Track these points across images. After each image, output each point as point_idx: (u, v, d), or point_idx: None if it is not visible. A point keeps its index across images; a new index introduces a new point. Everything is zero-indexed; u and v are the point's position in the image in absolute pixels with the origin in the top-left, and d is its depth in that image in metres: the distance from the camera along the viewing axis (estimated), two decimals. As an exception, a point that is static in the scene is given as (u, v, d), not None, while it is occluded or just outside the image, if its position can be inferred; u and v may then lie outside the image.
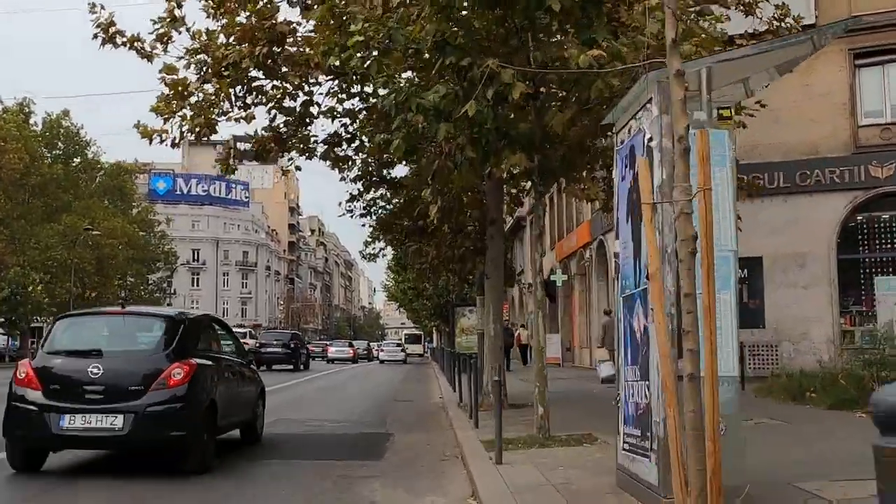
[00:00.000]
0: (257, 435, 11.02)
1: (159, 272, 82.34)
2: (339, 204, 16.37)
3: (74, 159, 69.41)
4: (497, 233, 15.87)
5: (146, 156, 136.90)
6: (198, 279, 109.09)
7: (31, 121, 63.71)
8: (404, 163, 14.76)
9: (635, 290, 5.97)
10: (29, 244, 57.82)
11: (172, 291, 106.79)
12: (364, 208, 16.54)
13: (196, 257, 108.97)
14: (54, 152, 68.26)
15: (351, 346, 59.20)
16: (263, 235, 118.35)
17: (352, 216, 16.45)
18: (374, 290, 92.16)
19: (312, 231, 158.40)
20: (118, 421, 7.68)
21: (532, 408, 10.90)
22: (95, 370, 7.85)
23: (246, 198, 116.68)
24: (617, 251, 6.70)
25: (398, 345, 61.09)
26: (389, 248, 32.63)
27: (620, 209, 6.51)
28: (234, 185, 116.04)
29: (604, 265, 28.26)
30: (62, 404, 7.78)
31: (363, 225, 16.78)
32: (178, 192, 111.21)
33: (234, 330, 12.94)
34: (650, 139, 5.61)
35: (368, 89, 12.87)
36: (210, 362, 8.86)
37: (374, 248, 32.65)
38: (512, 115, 9.61)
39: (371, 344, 75.80)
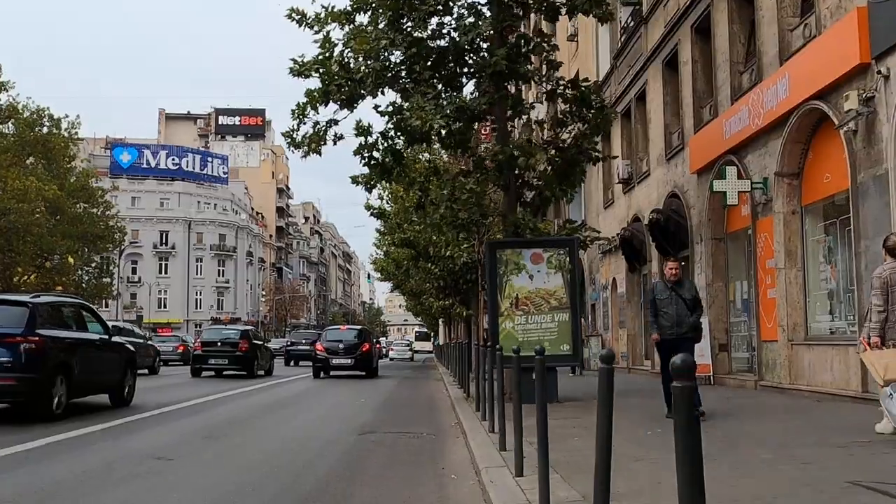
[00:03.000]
0: (376, 373, 26.64)
1: (105, 252, 63.94)
2: None
3: (-9, 109, 51.63)
4: None
5: (119, 132, 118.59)
6: (166, 265, 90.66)
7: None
8: None
9: None
10: None
11: (137, 280, 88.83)
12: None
13: (164, 240, 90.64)
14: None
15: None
16: (245, 217, 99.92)
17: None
18: (369, 277, 75.50)
19: (307, 218, 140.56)
20: (350, 361, 24.67)
21: None
22: (341, 345, 25.05)
23: (224, 173, 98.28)
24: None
25: (407, 344, 63.82)
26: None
27: None
28: (210, 159, 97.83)
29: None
30: (331, 356, 24.73)
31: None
32: (144, 166, 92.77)
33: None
34: None
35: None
36: (372, 342, 27.02)
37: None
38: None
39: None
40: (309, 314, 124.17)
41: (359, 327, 28.93)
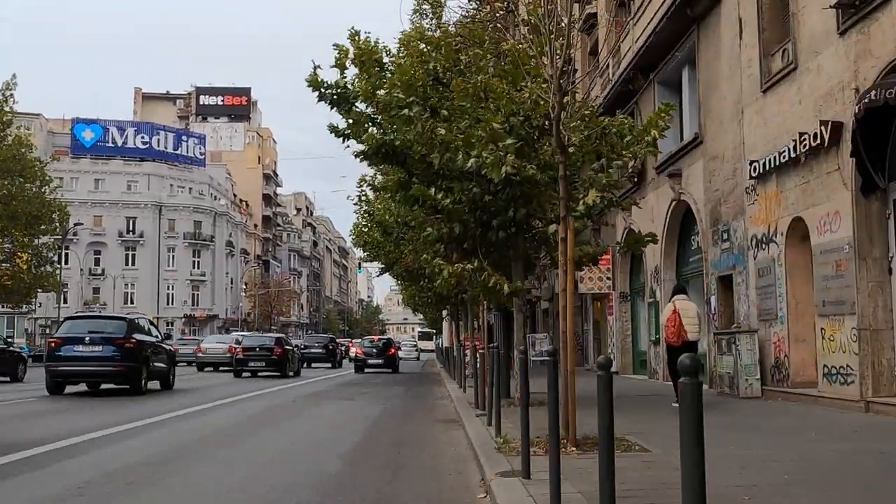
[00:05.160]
0: (398, 369, 35.11)
1: (47, 235, 52.00)
2: None
3: None
4: None
5: (91, 115, 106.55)
6: (133, 256, 78.46)
7: None
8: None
9: None
10: None
11: (100, 272, 76.63)
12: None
13: (131, 227, 78.46)
14: None
15: None
16: (225, 203, 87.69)
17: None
18: (360, 266, 64.63)
19: (298, 210, 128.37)
20: (381, 361, 34.09)
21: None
22: (375, 350, 34.85)
23: (201, 154, 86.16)
24: None
25: (413, 345, 65.92)
26: None
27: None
28: (185, 138, 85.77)
29: None
30: (368, 357, 34.26)
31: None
32: (109, 145, 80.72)
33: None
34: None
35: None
36: (396, 348, 37.72)
37: None
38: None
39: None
40: (300, 312, 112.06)
41: (387, 337, 43.37)
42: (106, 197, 77.68)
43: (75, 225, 59.14)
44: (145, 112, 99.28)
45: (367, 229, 24.95)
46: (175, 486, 6.29)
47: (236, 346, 30.46)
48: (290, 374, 27.65)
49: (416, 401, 16.17)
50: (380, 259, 27.65)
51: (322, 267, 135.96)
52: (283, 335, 34.90)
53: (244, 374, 26.85)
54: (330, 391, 19.58)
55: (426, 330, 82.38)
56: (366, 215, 24.37)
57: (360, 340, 44.97)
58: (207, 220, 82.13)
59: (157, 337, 18.40)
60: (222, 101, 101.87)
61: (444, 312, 40.69)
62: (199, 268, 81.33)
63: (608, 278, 22.95)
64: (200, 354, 34.78)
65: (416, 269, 24.40)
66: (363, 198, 22.57)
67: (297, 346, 37.99)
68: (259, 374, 26.78)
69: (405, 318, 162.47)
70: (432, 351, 66.29)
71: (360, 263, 56.94)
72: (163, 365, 17.92)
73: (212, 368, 32.78)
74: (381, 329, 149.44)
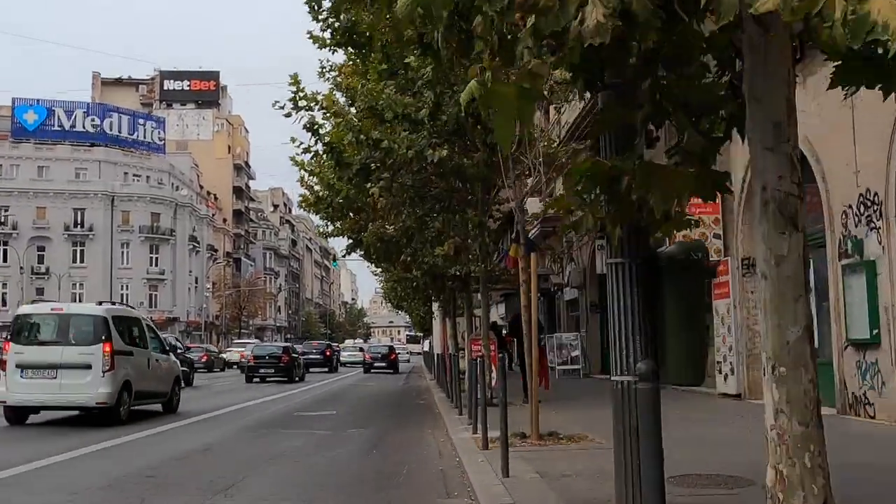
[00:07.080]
0: (398, 369, 43.17)
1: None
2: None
3: None
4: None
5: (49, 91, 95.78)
6: (81, 251, 68.19)
7: None
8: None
9: None
10: None
11: (43, 270, 66.32)
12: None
13: (79, 220, 68.20)
14: None
15: (361, 350, 64.98)
16: (187, 193, 77.46)
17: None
18: (335, 260, 55.30)
19: (276, 206, 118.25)
20: (385, 364, 41.57)
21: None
22: (379, 354, 43.34)
23: (160, 140, 75.97)
24: None
25: (405, 350, 65.84)
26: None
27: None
28: (142, 122, 75.53)
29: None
30: (374, 361, 42.35)
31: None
32: (55, 128, 70.44)
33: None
34: None
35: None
36: (396, 353, 46.05)
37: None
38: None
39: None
40: (278, 314, 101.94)
41: (390, 343, 55.87)
42: (51, 186, 67.53)
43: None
44: (105, 99, 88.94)
45: (312, 167, 15.23)
46: None
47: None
48: (297, 379, 29.87)
49: (388, 493, 6.42)
50: (338, 220, 17.92)
51: (302, 267, 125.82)
52: (290, 345, 37.93)
53: (254, 380, 28.42)
54: (226, 443, 9.94)
55: (413, 334, 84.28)
56: (307, 148, 14.48)
57: (367, 345, 56.38)
58: (167, 212, 71.93)
59: (180, 349, 26.65)
60: (188, 85, 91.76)
61: (435, 307, 31.18)
62: (157, 265, 71.10)
63: (716, 236, 13.34)
64: (245, 361, 40.80)
65: (394, 237, 14.97)
66: (300, 101, 12.73)
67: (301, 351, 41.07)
68: (268, 379, 28.30)
69: (391, 322, 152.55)
70: (419, 354, 65.32)
71: (333, 257, 55.16)
72: (185, 368, 22.00)
73: None
74: (365, 332, 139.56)
